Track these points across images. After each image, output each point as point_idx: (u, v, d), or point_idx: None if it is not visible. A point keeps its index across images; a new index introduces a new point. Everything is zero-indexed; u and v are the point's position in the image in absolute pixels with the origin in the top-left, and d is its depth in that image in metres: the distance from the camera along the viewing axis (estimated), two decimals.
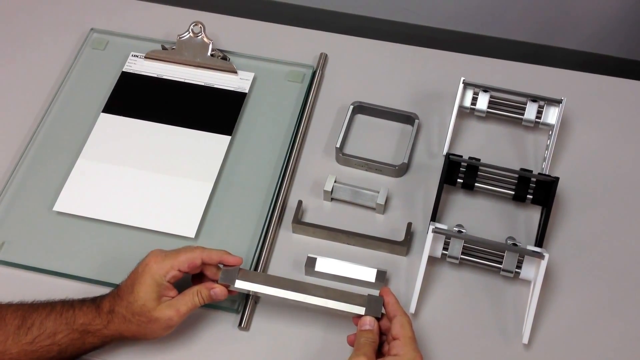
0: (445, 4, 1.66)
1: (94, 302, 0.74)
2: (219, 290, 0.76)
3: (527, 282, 0.83)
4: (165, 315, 0.73)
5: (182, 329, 0.79)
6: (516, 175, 0.88)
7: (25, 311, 0.73)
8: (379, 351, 0.73)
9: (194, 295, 0.75)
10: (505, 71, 1.03)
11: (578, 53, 1.69)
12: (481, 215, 0.90)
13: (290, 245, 0.88)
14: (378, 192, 0.89)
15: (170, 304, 0.73)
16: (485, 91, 0.95)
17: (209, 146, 0.95)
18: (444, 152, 0.94)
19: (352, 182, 0.91)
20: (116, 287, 0.76)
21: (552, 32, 1.67)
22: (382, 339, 0.74)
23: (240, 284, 0.76)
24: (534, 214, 0.90)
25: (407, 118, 0.97)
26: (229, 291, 0.77)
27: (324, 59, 1.04)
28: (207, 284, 0.76)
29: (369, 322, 0.73)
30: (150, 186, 0.91)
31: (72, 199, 0.90)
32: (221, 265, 0.78)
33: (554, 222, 0.89)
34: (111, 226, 0.88)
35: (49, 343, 0.71)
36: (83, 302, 0.74)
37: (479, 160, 0.88)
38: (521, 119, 0.95)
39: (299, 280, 0.78)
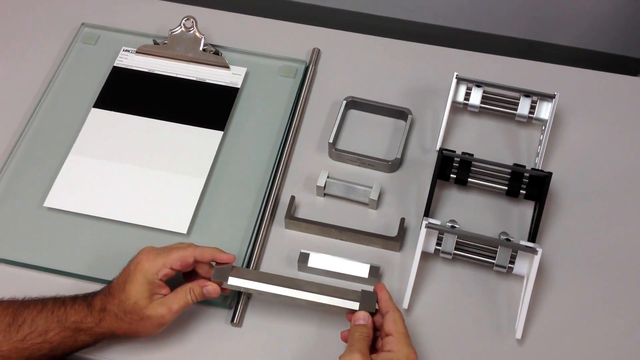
0: (437, 0, 1.66)
1: (86, 300, 0.74)
2: (211, 288, 0.76)
3: (520, 278, 0.83)
4: (157, 313, 0.72)
5: (175, 325, 0.79)
6: (509, 171, 0.88)
7: (16, 308, 0.72)
8: (373, 347, 0.73)
9: (186, 293, 0.74)
10: (498, 66, 1.03)
11: (571, 49, 1.70)
12: (474, 211, 0.90)
13: (283, 241, 0.87)
14: (371, 188, 0.89)
15: (163, 301, 0.73)
16: (478, 86, 0.95)
17: (201, 141, 0.94)
18: (437, 148, 0.94)
19: (345, 177, 0.91)
20: (108, 285, 0.75)
21: (545, 28, 1.67)
22: (376, 334, 0.74)
23: (233, 282, 0.76)
24: (527, 210, 0.90)
25: (400, 113, 0.97)
26: (222, 289, 0.77)
27: (316, 54, 1.04)
28: (200, 281, 0.76)
29: (362, 317, 0.73)
30: (141, 182, 0.90)
31: (63, 195, 0.89)
32: (214, 263, 0.78)
33: (547, 217, 0.88)
34: (102, 222, 0.87)
35: (41, 341, 0.71)
36: (75, 299, 0.74)
37: (472, 155, 0.88)
38: (514, 114, 0.95)
39: (292, 276, 0.78)
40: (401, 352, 0.69)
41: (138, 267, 0.73)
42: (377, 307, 0.74)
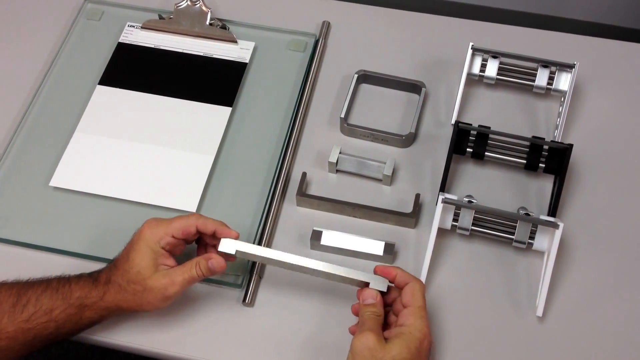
0: None
1: (91, 276, 0.72)
2: (215, 262, 0.73)
3: (540, 254, 0.81)
4: (159, 284, 0.70)
5: (186, 304, 0.78)
6: (528, 144, 0.85)
7: (20, 288, 0.71)
8: (385, 321, 0.70)
9: (192, 267, 0.72)
10: (514, 37, 1.00)
11: (587, 24, 1.66)
12: (492, 186, 0.87)
13: (294, 219, 0.85)
14: (384, 163, 0.86)
15: (166, 273, 0.71)
16: (494, 57, 0.92)
17: (210, 118, 0.92)
18: (452, 121, 0.91)
19: (358, 153, 0.88)
20: (113, 259, 0.74)
21: (560, 2, 1.63)
22: (386, 309, 0.72)
23: (242, 248, 0.73)
24: (546, 184, 0.87)
25: (413, 87, 0.94)
26: (228, 257, 0.74)
27: (326, 27, 1.01)
28: (206, 255, 0.74)
29: (371, 295, 0.70)
30: (149, 159, 0.88)
31: (69, 174, 0.87)
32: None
33: (567, 191, 0.86)
34: (109, 201, 0.85)
35: (46, 320, 0.69)
36: (80, 277, 0.72)
37: (489, 128, 0.85)
38: (532, 86, 0.91)
39: (304, 255, 0.75)
40: (413, 325, 0.67)
41: (140, 236, 0.72)
42: (388, 285, 0.72)
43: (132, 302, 0.71)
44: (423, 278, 0.79)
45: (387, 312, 0.72)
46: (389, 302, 0.72)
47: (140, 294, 0.71)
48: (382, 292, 0.71)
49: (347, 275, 0.72)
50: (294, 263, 0.72)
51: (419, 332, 0.66)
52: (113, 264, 0.73)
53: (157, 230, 0.72)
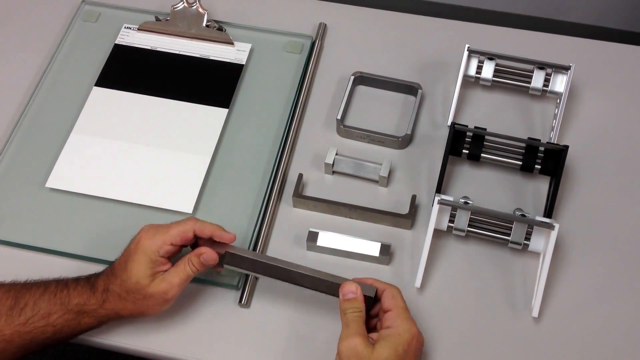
0: None
1: (89, 281, 0.72)
2: (207, 255, 0.73)
3: (536, 255, 0.81)
4: (159, 289, 0.71)
5: (182, 305, 0.77)
6: (524, 145, 0.85)
7: (17, 291, 0.70)
8: (368, 327, 0.70)
9: (185, 265, 0.72)
10: (510, 39, 1.00)
11: (583, 26, 1.66)
12: (488, 187, 0.88)
13: (291, 220, 0.85)
14: (381, 165, 0.87)
15: (163, 277, 0.71)
16: (490, 59, 0.92)
17: (206, 119, 0.92)
18: (449, 123, 0.91)
19: (354, 154, 0.89)
20: (110, 265, 0.73)
21: (557, 4, 1.64)
22: (373, 321, 0.72)
23: (229, 266, 0.75)
24: (542, 185, 0.87)
25: (409, 88, 0.94)
26: (219, 255, 0.74)
27: (323, 29, 1.01)
28: (197, 250, 0.73)
29: (351, 290, 0.69)
30: (145, 161, 0.88)
31: (66, 175, 0.87)
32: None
33: (562, 192, 0.86)
34: (106, 202, 0.85)
35: (44, 324, 0.69)
36: (77, 281, 0.72)
37: (485, 129, 0.85)
38: (528, 88, 0.92)
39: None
40: (401, 326, 0.67)
41: (138, 246, 0.71)
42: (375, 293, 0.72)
43: (133, 310, 0.71)
44: (419, 279, 0.79)
45: (369, 317, 0.71)
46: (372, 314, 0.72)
47: (141, 302, 0.71)
48: (370, 300, 0.70)
49: (334, 282, 0.72)
50: (277, 271, 0.73)
51: (406, 332, 0.67)
52: (111, 271, 0.72)
53: (156, 240, 0.71)
